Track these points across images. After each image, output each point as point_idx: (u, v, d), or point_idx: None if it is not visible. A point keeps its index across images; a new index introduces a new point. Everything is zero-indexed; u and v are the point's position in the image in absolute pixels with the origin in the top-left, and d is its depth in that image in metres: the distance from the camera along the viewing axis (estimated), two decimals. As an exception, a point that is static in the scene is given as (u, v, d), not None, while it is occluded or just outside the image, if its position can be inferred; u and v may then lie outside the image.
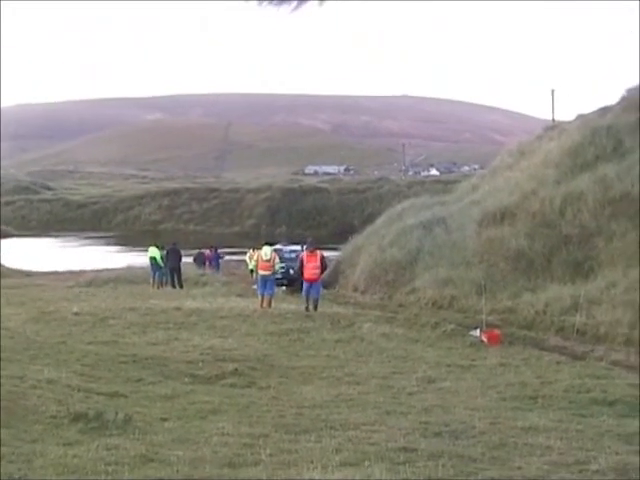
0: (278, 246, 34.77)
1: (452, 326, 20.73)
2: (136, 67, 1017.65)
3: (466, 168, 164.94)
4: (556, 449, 8.68)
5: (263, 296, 23.87)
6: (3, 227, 78.36)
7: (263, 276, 24.22)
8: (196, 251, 42.98)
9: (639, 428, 9.92)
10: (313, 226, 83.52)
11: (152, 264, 33.21)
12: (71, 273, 40.97)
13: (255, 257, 26.80)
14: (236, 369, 13.98)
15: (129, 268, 39.00)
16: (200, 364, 14.37)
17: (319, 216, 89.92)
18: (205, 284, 32.84)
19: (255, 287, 27.28)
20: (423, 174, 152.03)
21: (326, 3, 3.97)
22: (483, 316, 20.84)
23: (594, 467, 7.92)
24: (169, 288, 31.91)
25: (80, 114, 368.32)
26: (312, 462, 7.72)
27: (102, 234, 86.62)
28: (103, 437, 8.55)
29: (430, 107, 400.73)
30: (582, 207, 25.41)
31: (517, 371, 15.16)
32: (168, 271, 32.80)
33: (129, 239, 78.82)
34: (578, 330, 20.18)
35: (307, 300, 23.15)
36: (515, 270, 25.20)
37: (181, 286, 31.94)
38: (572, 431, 9.77)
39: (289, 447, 8.50)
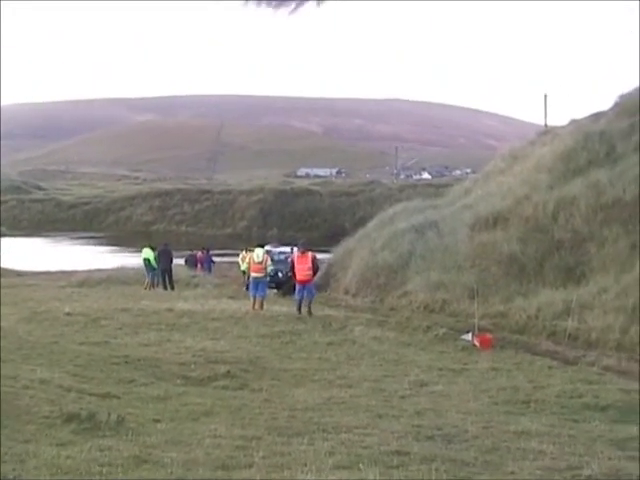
0: (267, 247, 33.93)
1: (444, 330, 20.76)
2: (129, 68, 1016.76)
3: (458, 172, 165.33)
4: (549, 454, 8.69)
5: (255, 298, 23.84)
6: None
7: (255, 278, 24.19)
8: (187, 253, 42.94)
9: (638, 433, 9.95)
10: (304, 228, 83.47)
11: (146, 265, 33.07)
12: (63, 273, 40.81)
13: (247, 259, 26.72)
14: (228, 371, 13.97)
15: (121, 269, 38.91)
16: (192, 366, 14.36)
17: (311, 218, 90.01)
18: (197, 286, 32.78)
19: (246, 289, 27.08)
20: (415, 177, 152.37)
21: (323, 4, 3.90)
22: (475, 320, 20.86)
23: (587, 472, 7.92)
24: (161, 289, 31.82)
25: (72, 114, 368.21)
26: (305, 465, 7.70)
27: (93, 234, 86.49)
28: (96, 438, 8.52)
29: (423, 111, 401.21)
30: (574, 212, 25.47)
31: (509, 375, 15.19)
32: (160, 272, 32.67)
33: (121, 240, 78.75)
34: (570, 335, 20.25)
35: (299, 303, 23.05)
36: (507, 275, 25.23)
37: (172, 287, 31.85)
38: (564, 436, 9.79)
39: (282, 450, 8.48)
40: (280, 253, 35.52)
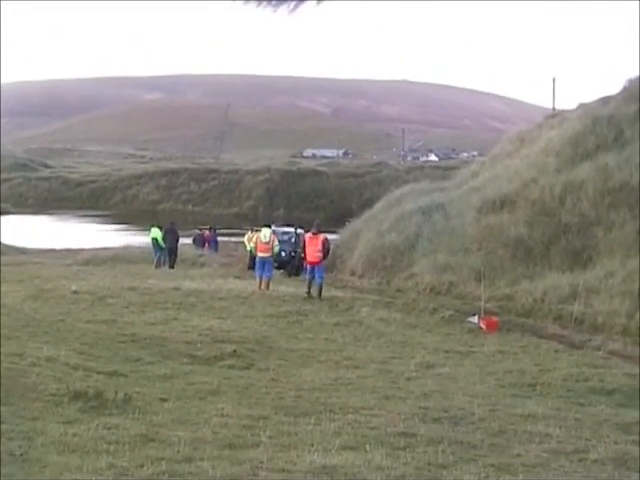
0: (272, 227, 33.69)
1: (450, 312, 20.76)
2: (136, 46, 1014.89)
3: (465, 154, 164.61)
4: (555, 437, 8.71)
5: (261, 278, 23.83)
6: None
7: (262, 258, 24.15)
8: (195, 232, 42.93)
9: (639, 418, 9.95)
10: (311, 209, 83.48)
11: (154, 245, 32.99)
12: (69, 251, 40.83)
13: (254, 239, 26.66)
14: (235, 350, 13.97)
15: (127, 247, 38.97)
16: (199, 345, 14.37)
17: (317, 199, 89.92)
18: (203, 265, 32.81)
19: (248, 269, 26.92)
20: (422, 159, 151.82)
21: (322, 4, 3.80)
22: (481, 303, 20.85)
23: (593, 456, 7.95)
24: (167, 268, 31.80)
25: (79, 92, 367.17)
26: (312, 445, 7.73)
27: (100, 213, 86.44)
28: (103, 416, 8.55)
29: (429, 93, 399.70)
30: (582, 196, 25.44)
31: (515, 358, 15.20)
32: (167, 251, 32.62)
33: (127, 218, 78.76)
34: (576, 319, 20.25)
35: (309, 284, 22.86)
36: (514, 258, 25.22)
37: (172, 267, 31.76)
38: (570, 419, 9.81)
39: (289, 429, 8.51)
40: (284, 233, 35.32)
